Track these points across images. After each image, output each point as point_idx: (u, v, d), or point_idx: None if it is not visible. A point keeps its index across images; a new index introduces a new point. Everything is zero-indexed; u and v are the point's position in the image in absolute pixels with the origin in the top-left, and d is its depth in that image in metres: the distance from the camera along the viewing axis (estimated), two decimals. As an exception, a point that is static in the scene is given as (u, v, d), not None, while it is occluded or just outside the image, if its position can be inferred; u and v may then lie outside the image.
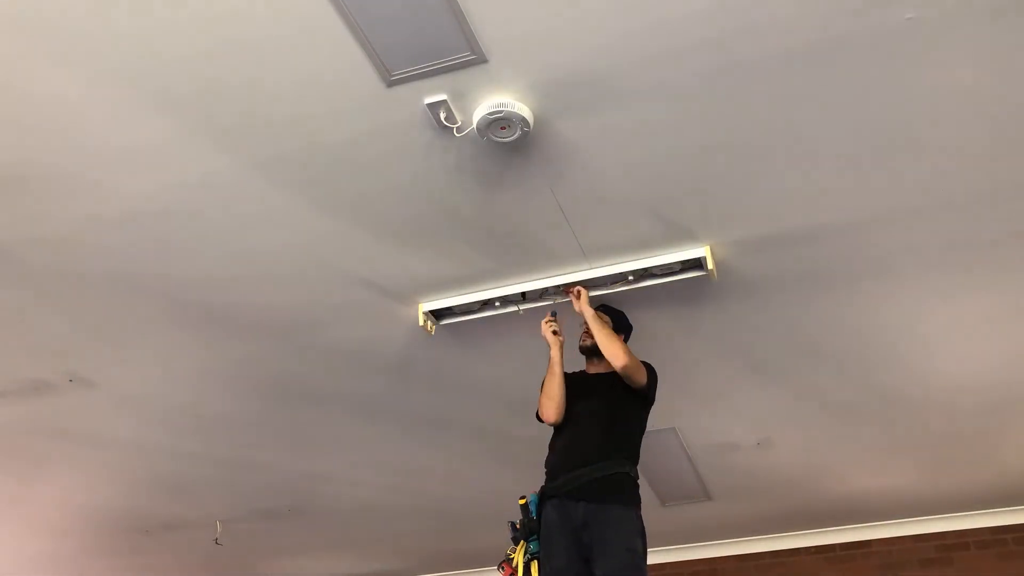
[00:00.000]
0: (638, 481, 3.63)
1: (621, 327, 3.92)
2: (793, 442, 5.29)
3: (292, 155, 3.33)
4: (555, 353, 3.78)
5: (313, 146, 3.29)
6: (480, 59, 2.92)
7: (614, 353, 3.64)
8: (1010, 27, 2.84)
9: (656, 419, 3.88)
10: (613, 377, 3.74)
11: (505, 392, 4.74)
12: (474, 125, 3.11)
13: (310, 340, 4.39)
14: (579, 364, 3.95)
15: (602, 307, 3.95)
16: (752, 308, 4.14)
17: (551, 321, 3.87)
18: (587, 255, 3.83)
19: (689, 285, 3.90)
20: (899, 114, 3.14)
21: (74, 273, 3.90)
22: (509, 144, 3.19)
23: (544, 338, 3.85)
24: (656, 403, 3.82)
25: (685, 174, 3.42)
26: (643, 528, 3.52)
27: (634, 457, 3.66)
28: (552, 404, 3.72)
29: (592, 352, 3.84)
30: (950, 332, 4.32)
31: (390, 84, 3.01)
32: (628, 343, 3.88)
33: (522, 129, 3.11)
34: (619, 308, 3.99)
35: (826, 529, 6.51)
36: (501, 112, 3.05)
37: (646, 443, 3.77)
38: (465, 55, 2.90)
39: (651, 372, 3.79)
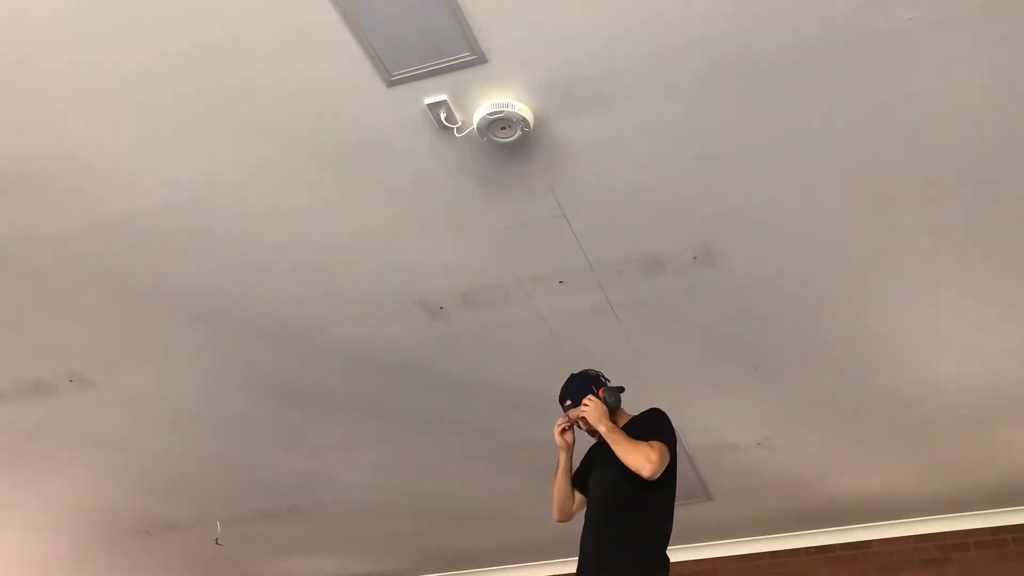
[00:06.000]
0: None
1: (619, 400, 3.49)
2: (793, 442, 5.28)
3: (292, 156, 3.33)
4: (561, 459, 3.49)
5: (313, 146, 3.29)
6: (480, 59, 2.92)
7: (638, 465, 3.18)
8: (1011, 28, 2.84)
9: (656, 419, 3.86)
10: None
11: (506, 392, 4.73)
12: (474, 125, 3.11)
13: (310, 340, 4.38)
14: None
15: (605, 389, 3.45)
16: (753, 308, 4.14)
17: (564, 421, 3.48)
18: (588, 255, 3.83)
19: (691, 285, 3.90)
20: (900, 113, 3.14)
21: (74, 273, 3.90)
22: (509, 144, 3.19)
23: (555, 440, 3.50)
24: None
25: (685, 173, 3.41)
26: None
27: (647, 556, 3.20)
28: (553, 504, 3.53)
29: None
30: (951, 332, 4.31)
31: (390, 84, 3.01)
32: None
33: (522, 129, 3.11)
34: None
35: (826, 529, 6.50)
36: (501, 112, 3.05)
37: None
38: (465, 55, 2.90)
39: (668, 452, 3.27)
